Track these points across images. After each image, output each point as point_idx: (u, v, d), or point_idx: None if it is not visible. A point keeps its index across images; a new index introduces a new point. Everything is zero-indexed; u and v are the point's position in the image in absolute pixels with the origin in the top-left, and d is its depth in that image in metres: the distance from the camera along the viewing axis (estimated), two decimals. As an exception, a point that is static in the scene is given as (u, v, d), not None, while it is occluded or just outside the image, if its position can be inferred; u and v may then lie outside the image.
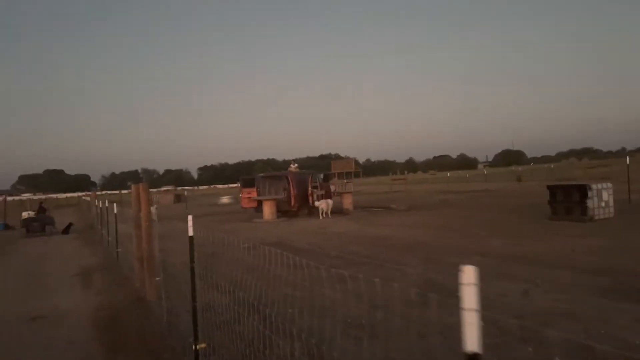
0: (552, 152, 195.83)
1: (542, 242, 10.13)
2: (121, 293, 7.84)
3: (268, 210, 19.45)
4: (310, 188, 20.11)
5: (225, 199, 40.15)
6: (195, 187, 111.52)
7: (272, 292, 4.92)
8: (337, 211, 21.12)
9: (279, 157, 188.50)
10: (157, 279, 6.82)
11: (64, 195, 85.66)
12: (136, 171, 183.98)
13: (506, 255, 8.90)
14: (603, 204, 13.05)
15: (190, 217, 4.43)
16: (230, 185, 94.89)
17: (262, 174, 21.36)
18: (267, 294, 4.71)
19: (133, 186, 7.78)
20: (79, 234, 19.39)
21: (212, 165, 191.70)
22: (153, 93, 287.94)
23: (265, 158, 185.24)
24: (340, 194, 22.13)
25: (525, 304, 5.80)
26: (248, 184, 20.41)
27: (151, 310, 6.56)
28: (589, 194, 12.83)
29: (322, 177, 21.30)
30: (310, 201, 20.19)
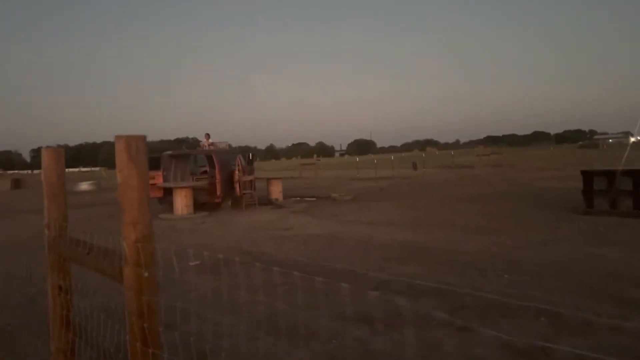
0: (398, 143, 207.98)
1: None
2: None
3: (182, 202, 14.01)
4: (237, 173, 15.13)
5: (85, 185, 32.05)
6: (30, 171, 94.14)
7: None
8: (265, 202, 16.54)
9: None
10: None
11: None
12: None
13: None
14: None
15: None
16: (81, 169, 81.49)
17: (170, 152, 15.60)
18: None
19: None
20: None
21: (48, 146, 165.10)
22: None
23: (112, 140, 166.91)
24: (267, 181, 17.48)
25: None
26: (150, 165, 14.56)
27: None
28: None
29: (250, 157, 16.36)
30: (237, 189, 15.26)
